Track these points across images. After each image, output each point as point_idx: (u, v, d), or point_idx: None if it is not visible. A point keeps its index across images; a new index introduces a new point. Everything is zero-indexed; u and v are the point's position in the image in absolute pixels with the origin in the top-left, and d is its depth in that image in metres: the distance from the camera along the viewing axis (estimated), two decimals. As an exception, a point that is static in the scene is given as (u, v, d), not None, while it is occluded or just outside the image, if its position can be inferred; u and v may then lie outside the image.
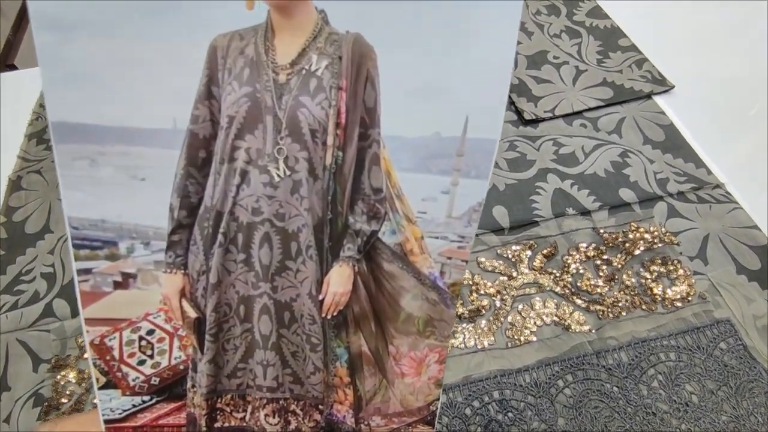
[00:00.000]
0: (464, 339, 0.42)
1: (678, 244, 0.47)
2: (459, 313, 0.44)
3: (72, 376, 0.41)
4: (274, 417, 0.25)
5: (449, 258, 0.24)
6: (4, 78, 0.67)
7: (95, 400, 0.25)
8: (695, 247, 0.47)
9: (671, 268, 0.45)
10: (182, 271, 0.23)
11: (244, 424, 0.25)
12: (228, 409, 0.25)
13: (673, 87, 0.59)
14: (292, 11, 0.20)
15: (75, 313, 0.45)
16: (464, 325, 0.43)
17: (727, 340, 0.41)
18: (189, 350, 0.25)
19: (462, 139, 0.21)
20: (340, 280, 0.23)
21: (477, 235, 0.48)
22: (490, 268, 0.46)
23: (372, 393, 0.25)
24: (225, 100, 0.21)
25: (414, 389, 0.25)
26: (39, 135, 0.59)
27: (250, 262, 0.23)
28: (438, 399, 0.25)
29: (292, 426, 0.25)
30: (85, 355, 0.25)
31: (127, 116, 0.20)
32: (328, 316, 0.24)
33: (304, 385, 0.25)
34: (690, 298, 0.44)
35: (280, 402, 0.25)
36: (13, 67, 0.72)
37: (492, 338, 0.42)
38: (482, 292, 0.45)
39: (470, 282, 0.45)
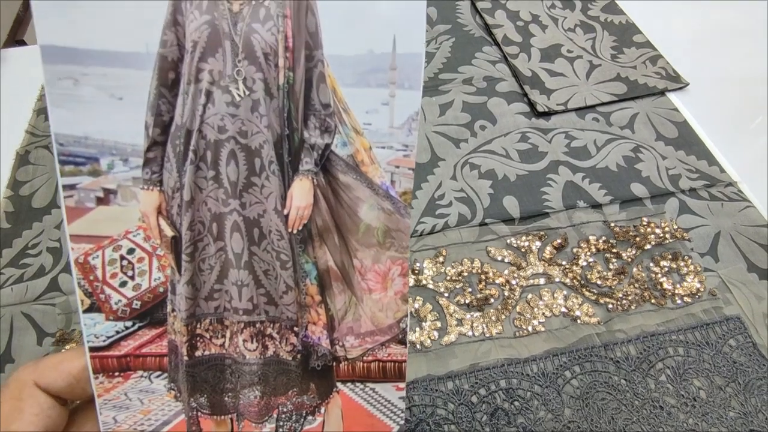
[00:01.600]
0: (472, 327, 0.42)
1: (689, 240, 0.46)
2: (467, 301, 0.43)
3: (76, 350, 0.41)
4: (252, 342, 0.26)
5: (397, 167, 0.25)
6: (13, 53, 0.66)
7: (81, 325, 0.26)
8: (706, 243, 0.46)
9: (681, 263, 0.45)
10: (158, 188, 0.25)
11: (224, 351, 0.26)
12: (207, 335, 0.26)
13: (688, 84, 0.58)
14: None
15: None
16: (472, 313, 0.43)
17: (737, 337, 0.41)
18: (167, 271, 0.26)
19: (393, 55, 0.23)
20: (301, 194, 0.25)
21: (487, 224, 0.48)
22: (499, 258, 0.46)
23: (343, 311, 0.26)
24: (188, 26, 0.24)
25: (382, 305, 0.26)
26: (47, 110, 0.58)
27: (219, 179, 0.25)
28: (406, 315, 0.26)
29: (270, 351, 0.26)
30: (77, 304, 0.26)
31: (106, 41, 0.23)
32: (294, 231, 0.25)
33: (278, 306, 0.26)
34: (700, 294, 0.43)
35: (257, 325, 0.26)
36: (22, 43, 0.71)
37: (500, 327, 0.42)
38: (491, 281, 0.44)
39: (479, 270, 0.45)
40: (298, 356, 0.27)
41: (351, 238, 0.26)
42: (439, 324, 0.42)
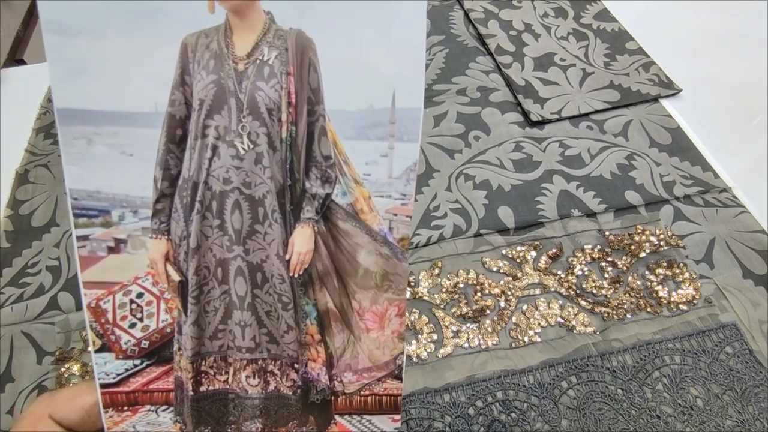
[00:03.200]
0: (468, 338, 0.42)
1: (684, 248, 0.47)
2: (463, 313, 0.44)
3: (76, 368, 0.42)
4: (254, 378, 0.28)
5: (395, 215, 0.27)
6: (13, 73, 0.67)
7: (93, 363, 0.28)
8: (701, 250, 0.47)
9: (677, 271, 0.45)
10: (166, 237, 0.26)
11: (228, 387, 0.28)
12: (212, 372, 0.28)
13: (681, 90, 0.59)
14: (245, 13, 0.25)
15: (79, 307, 0.45)
16: (468, 324, 0.43)
17: (733, 345, 0.41)
18: (174, 313, 0.27)
19: (392, 110, 0.25)
20: (302, 240, 0.26)
21: (482, 234, 0.48)
22: (494, 268, 0.46)
23: (342, 349, 0.28)
24: (196, 86, 0.25)
25: (380, 343, 0.27)
26: (47, 129, 0.59)
27: (224, 227, 0.26)
28: (402, 352, 0.28)
29: (272, 386, 0.28)
30: (89, 349, 0.27)
31: (118, 102, 0.24)
32: (295, 275, 0.27)
33: (279, 345, 0.27)
34: (696, 302, 0.43)
35: (259, 362, 0.28)
36: (22, 62, 0.72)
37: (496, 338, 0.42)
38: (486, 292, 0.45)
39: (474, 282, 0.45)
40: (298, 391, 0.28)
41: (350, 281, 0.27)
42: (435, 336, 0.43)
